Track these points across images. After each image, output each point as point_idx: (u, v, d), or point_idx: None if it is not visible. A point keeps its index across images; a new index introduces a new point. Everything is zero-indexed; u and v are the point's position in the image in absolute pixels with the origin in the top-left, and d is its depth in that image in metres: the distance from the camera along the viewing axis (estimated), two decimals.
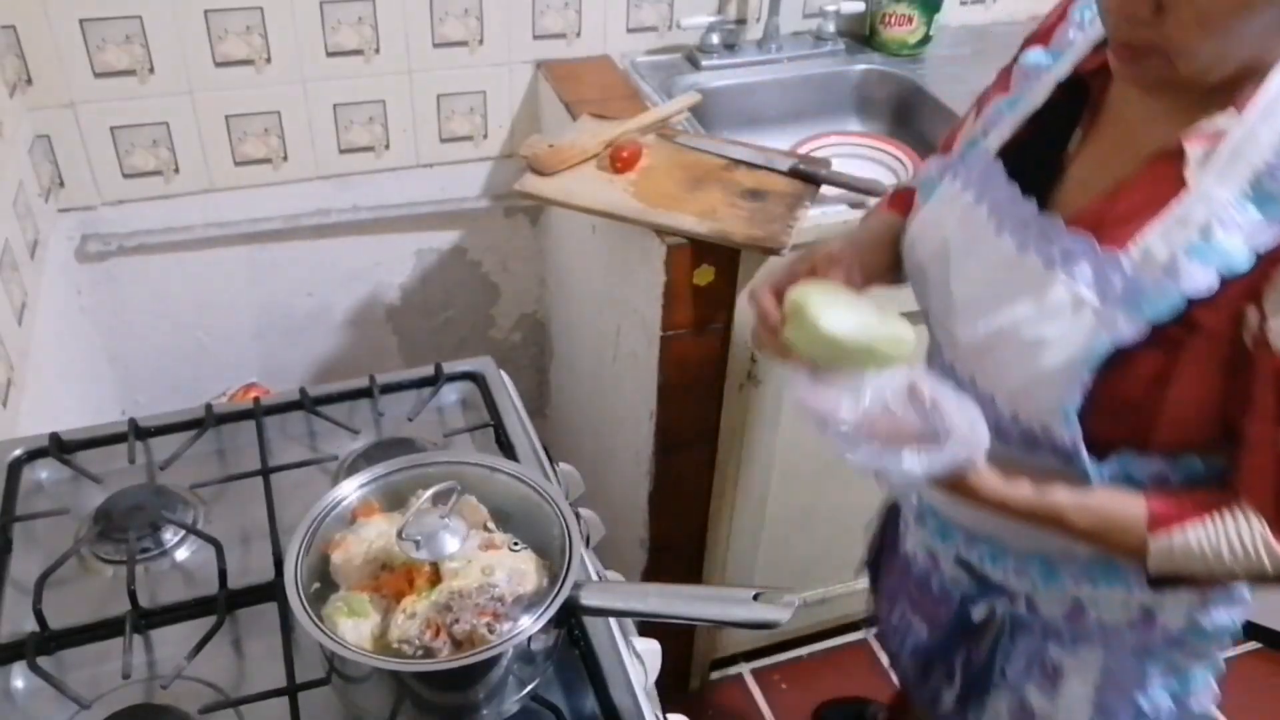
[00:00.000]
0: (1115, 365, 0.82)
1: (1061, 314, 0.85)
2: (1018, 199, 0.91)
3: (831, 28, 1.96)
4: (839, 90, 1.96)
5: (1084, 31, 0.95)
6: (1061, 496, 0.88)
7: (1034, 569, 1.01)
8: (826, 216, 1.51)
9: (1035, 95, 0.96)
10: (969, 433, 0.83)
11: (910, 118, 1.92)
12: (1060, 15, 1.00)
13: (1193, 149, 0.81)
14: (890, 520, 1.28)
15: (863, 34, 2.01)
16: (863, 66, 1.95)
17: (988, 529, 1.03)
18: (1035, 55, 0.99)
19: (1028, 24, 2.09)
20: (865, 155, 1.77)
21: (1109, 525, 0.88)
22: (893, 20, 1.93)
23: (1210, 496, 0.86)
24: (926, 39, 1.97)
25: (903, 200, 1.14)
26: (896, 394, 0.84)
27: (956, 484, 0.87)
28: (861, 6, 1.95)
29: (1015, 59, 1.03)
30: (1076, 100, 0.93)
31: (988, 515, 0.93)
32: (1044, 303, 0.86)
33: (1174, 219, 0.80)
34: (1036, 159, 0.93)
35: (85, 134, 1.67)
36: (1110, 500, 0.88)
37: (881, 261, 1.07)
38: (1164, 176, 0.82)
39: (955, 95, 1.85)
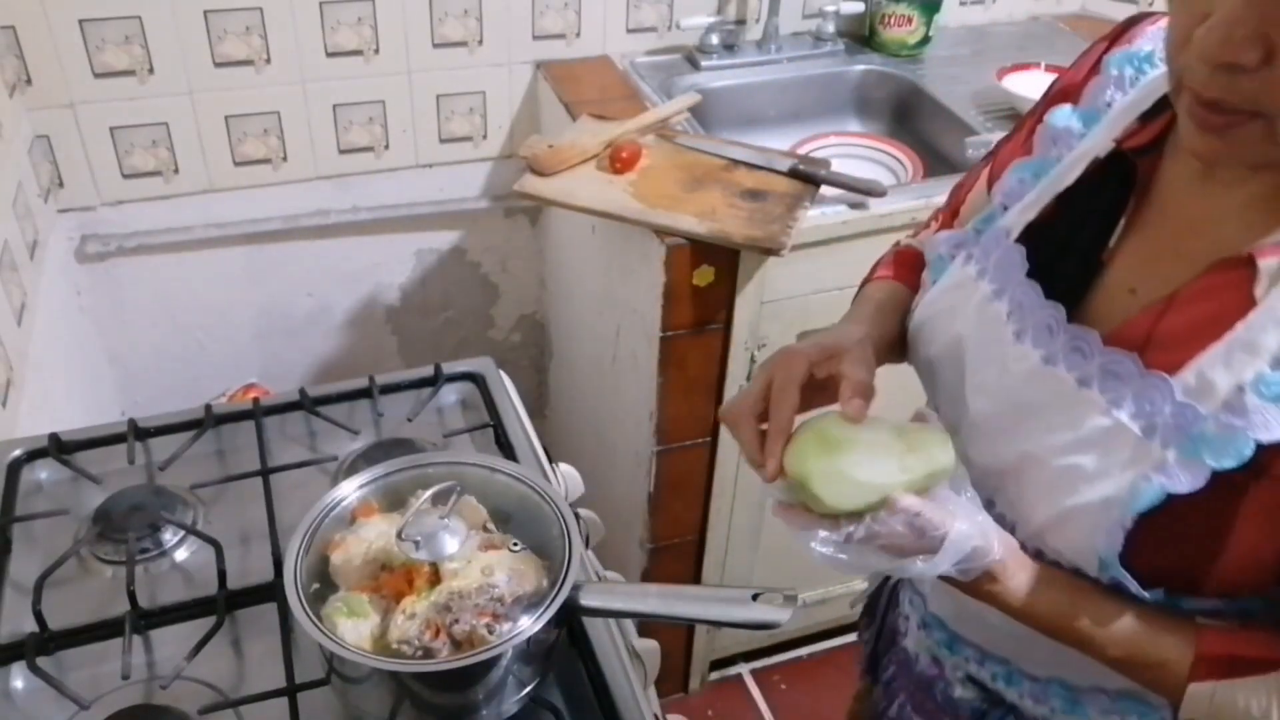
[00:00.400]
0: (1161, 509, 0.69)
1: (1097, 443, 0.71)
2: (1042, 301, 0.77)
3: (831, 28, 1.96)
4: (838, 91, 1.96)
5: (1124, 93, 0.80)
6: (1093, 626, 0.74)
7: (1054, 697, 0.87)
8: (826, 217, 1.51)
9: (1065, 171, 0.80)
10: (970, 530, 0.72)
11: (910, 118, 1.92)
12: (1092, 68, 0.84)
13: (1265, 261, 0.67)
14: (887, 606, 1.10)
15: (862, 34, 2.01)
16: (862, 67, 1.95)
17: (1003, 650, 0.89)
18: (1063, 115, 0.83)
19: (1027, 24, 2.14)
20: (865, 155, 1.78)
21: (1145, 661, 0.74)
22: (892, 21, 1.94)
23: (1269, 646, 0.72)
24: (926, 39, 1.97)
25: (908, 264, 1.00)
26: (876, 519, 0.73)
27: (978, 587, 0.75)
28: (861, 7, 1.95)
29: (1038, 114, 0.88)
30: (1116, 179, 0.77)
31: (1003, 633, 0.81)
32: (1076, 427, 0.73)
33: (1239, 343, 0.66)
34: (1067, 249, 0.79)
35: (85, 134, 1.67)
36: (1149, 634, 0.74)
37: (893, 345, 0.92)
38: (1228, 289, 0.68)
39: (954, 95, 1.85)
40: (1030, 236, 0.80)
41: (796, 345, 0.83)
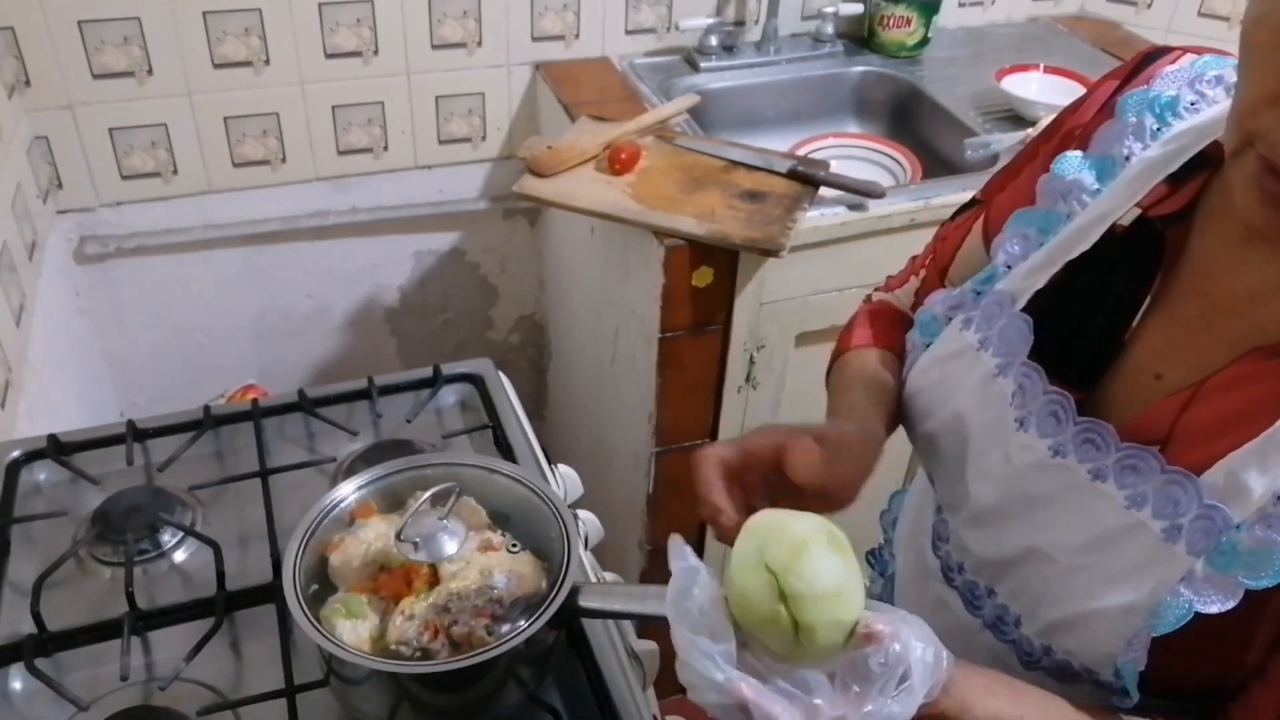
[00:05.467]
0: (1187, 625, 0.62)
1: (1114, 543, 0.65)
2: (1045, 386, 0.70)
3: (830, 29, 1.96)
4: (837, 92, 1.96)
5: (1145, 144, 0.71)
6: None
7: None
8: (825, 218, 1.51)
9: (1078, 234, 0.72)
10: (924, 637, 0.62)
11: (908, 119, 1.92)
12: (1102, 108, 0.76)
13: None
14: None
15: (861, 36, 2.01)
16: (861, 68, 1.95)
17: None
18: (1073, 164, 0.74)
19: (1025, 25, 2.14)
20: (863, 157, 1.78)
21: None
22: (891, 22, 1.94)
23: None
24: (925, 41, 1.97)
25: (888, 323, 0.92)
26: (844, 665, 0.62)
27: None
28: (860, 8, 1.95)
29: (1037, 155, 0.80)
30: (1141, 250, 0.69)
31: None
32: (1090, 525, 0.67)
33: (1274, 445, 0.60)
34: (1084, 325, 0.71)
35: (84, 135, 1.67)
36: None
37: (884, 425, 0.82)
38: (1264, 380, 0.62)
39: (953, 97, 1.85)
40: (1039, 306, 0.73)
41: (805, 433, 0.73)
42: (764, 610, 0.62)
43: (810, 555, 0.61)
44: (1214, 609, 0.60)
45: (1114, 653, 0.66)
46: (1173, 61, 0.74)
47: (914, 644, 0.61)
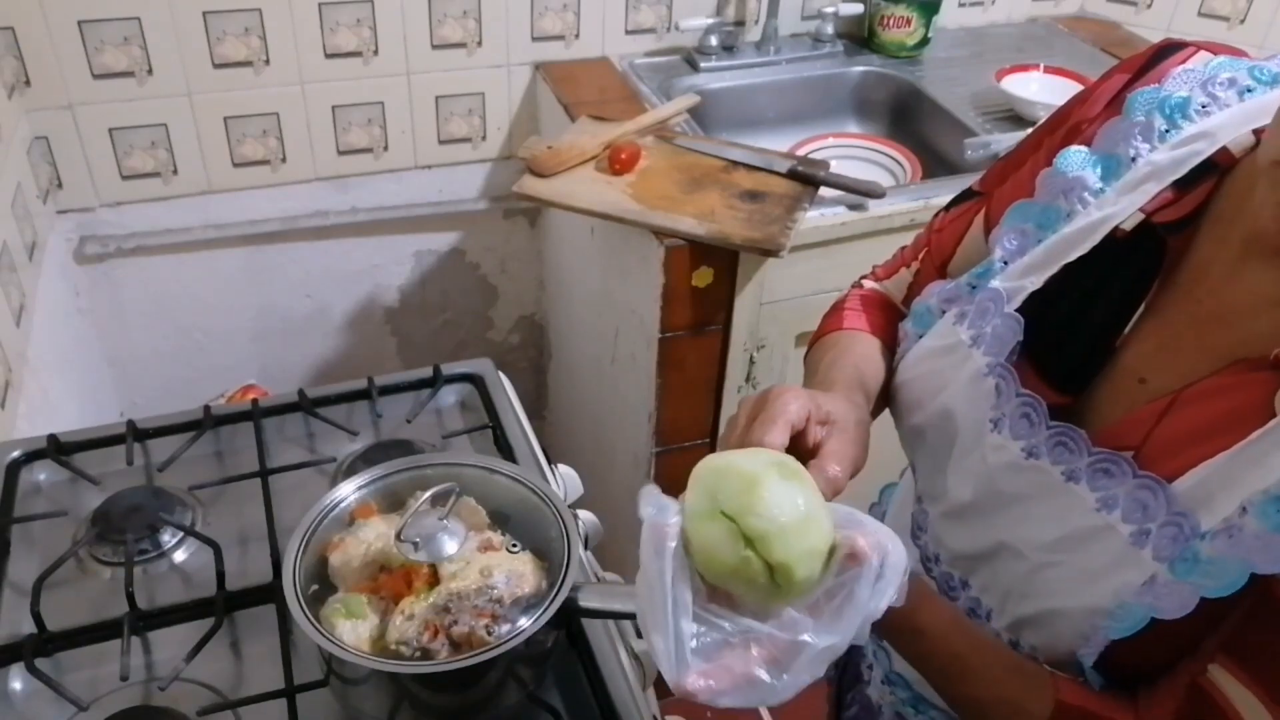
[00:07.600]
0: (1145, 627, 0.63)
1: (1083, 543, 0.66)
2: (1018, 389, 0.70)
3: (830, 29, 1.96)
4: (837, 92, 1.96)
5: (1152, 145, 0.70)
6: (968, 660, 0.70)
7: None
8: (825, 218, 1.51)
9: (1078, 236, 0.71)
10: (898, 544, 0.62)
11: (908, 119, 1.92)
12: (1110, 103, 0.74)
13: None
14: (849, 662, 1.03)
15: (861, 36, 2.01)
16: (861, 68, 1.96)
17: None
18: (1077, 160, 0.73)
19: (1025, 25, 2.14)
20: (863, 157, 1.78)
21: (1004, 699, 0.69)
22: (891, 22, 1.94)
23: (1116, 708, 0.67)
24: (925, 41, 1.97)
25: (878, 309, 0.91)
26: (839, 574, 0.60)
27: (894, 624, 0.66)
28: (860, 8, 1.95)
29: (1041, 147, 0.79)
30: (1141, 255, 0.68)
31: None
32: (1061, 524, 0.67)
33: (1248, 457, 0.59)
34: (1076, 326, 0.71)
35: (84, 135, 1.67)
36: (1013, 677, 0.69)
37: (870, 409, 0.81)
38: (1244, 392, 0.61)
39: (953, 97, 1.85)
40: (1034, 306, 0.72)
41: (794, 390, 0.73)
42: (731, 559, 0.57)
43: (765, 489, 0.58)
44: (1169, 615, 0.61)
45: (1075, 649, 0.67)
46: (1185, 60, 0.72)
47: (892, 549, 0.60)
